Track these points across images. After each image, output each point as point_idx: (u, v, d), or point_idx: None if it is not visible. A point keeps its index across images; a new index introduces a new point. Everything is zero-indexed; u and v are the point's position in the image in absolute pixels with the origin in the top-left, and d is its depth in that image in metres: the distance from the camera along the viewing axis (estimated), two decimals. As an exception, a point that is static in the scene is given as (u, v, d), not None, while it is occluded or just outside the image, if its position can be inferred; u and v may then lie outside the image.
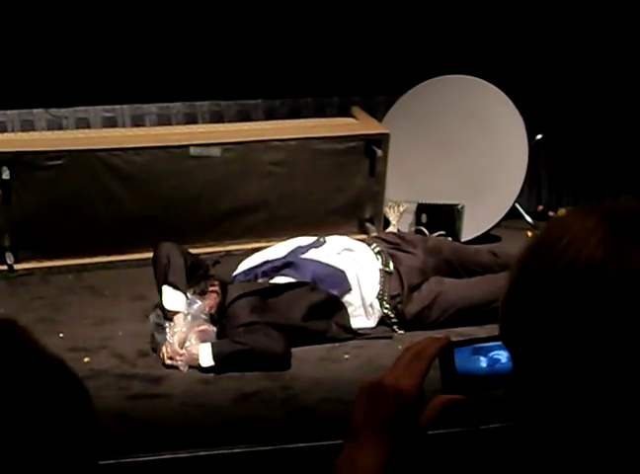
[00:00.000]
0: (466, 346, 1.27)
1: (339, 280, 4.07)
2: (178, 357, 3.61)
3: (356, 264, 4.19)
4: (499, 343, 1.18)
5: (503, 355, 1.23)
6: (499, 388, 1.22)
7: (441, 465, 2.43)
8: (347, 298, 4.03)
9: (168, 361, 3.64)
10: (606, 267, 1.01)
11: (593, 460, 1.03)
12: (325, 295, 4.00)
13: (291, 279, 4.08)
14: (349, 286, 4.07)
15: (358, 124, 6.09)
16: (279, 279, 4.11)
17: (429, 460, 1.29)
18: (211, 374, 3.51)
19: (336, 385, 3.33)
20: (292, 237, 4.65)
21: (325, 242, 4.35)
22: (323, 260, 4.21)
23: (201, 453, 2.78)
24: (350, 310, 4.04)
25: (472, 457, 2.58)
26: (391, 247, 4.39)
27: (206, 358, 3.58)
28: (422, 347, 1.30)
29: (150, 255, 5.57)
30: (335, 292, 4.02)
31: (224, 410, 3.14)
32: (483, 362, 1.25)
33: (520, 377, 1.10)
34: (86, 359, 3.78)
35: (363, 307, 4.04)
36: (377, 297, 4.09)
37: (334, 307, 3.99)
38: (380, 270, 4.18)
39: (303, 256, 4.25)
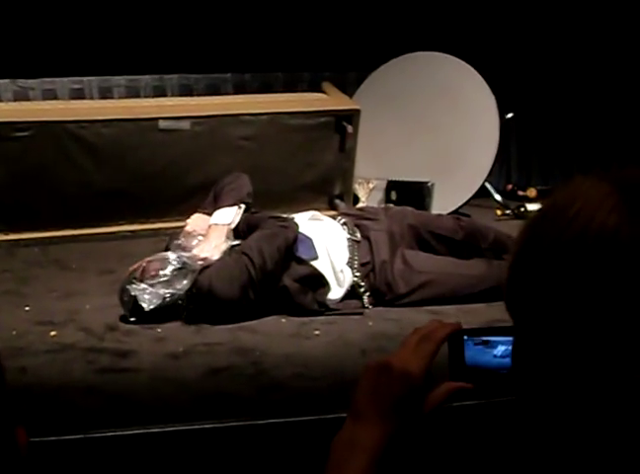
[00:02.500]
0: (477, 336, 1.24)
1: (307, 247, 4.04)
2: None
3: (323, 232, 4.17)
4: (510, 337, 1.16)
5: None
6: (507, 383, 1.20)
7: (443, 441, 2.41)
8: (316, 265, 4.00)
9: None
10: (620, 234, 0.98)
11: (596, 436, 1.00)
12: (313, 270, 3.98)
13: None
14: (316, 254, 4.04)
15: (328, 100, 6.06)
16: None
17: (430, 440, 1.27)
18: (180, 349, 3.47)
19: (306, 361, 3.31)
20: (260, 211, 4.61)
21: (292, 217, 4.33)
22: None
23: (171, 428, 2.75)
24: None
25: (474, 432, 2.57)
26: (355, 218, 4.38)
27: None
28: (431, 329, 1.28)
29: (118, 229, 5.56)
30: (303, 257, 3.99)
31: (194, 385, 3.10)
32: (493, 356, 1.22)
33: (524, 349, 1.07)
34: (53, 333, 3.72)
35: (334, 274, 4.02)
36: (347, 264, 4.07)
37: (318, 284, 3.96)
38: (348, 239, 4.17)
39: None
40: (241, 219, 4.24)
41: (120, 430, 2.76)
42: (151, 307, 3.84)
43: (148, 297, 3.86)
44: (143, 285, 3.90)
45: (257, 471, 2.74)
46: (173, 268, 3.95)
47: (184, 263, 3.98)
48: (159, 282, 3.91)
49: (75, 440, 2.72)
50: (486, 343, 1.23)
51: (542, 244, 1.05)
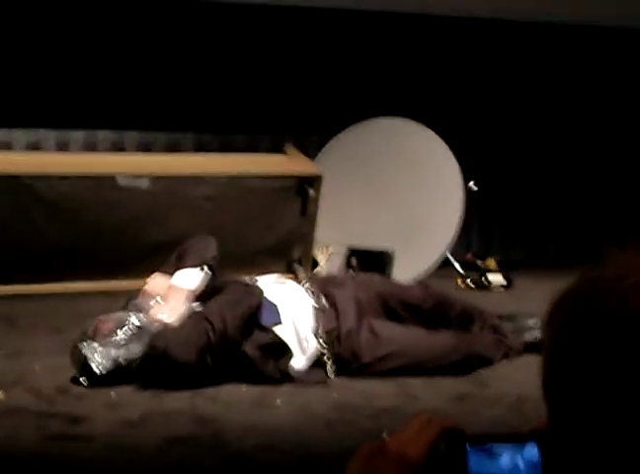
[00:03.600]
0: (479, 444, 1.13)
1: (271, 312, 3.91)
2: None
3: (288, 298, 4.03)
4: (516, 445, 1.09)
5: (521, 462, 1.10)
6: None
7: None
8: (279, 331, 3.86)
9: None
10: None
11: None
12: (275, 337, 3.84)
13: None
14: (279, 319, 3.90)
15: (291, 163, 5.97)
16: None
17: None
18: (136, 416, 3.31)
19: (270, 432, 3.16)
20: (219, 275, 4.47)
21: (257, 280, 4.19)
22: None
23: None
24: None
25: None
26: (321, 283, 4.26)
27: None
28: (434, 417, 1.16)
29: (70, 286, 5.38)
30: (266, 324, 3.85)
31: (151, 455, 2.93)
32: (500, 468, 1.11)
33: (561, 440, 0.96)
34: (0, 396, 3.54)
35: (298, 342, 3.87)
36: (312, 332, 3.94)
37: (281, 352, 3.82)
38: (313, 306, 4.03)
39: None
40: (209, 285, 4.09)
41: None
42: (102, 371, 3.67)
43: (99, 359, 3.70)
44: (95, 345, 3.73)
45: None
46: (127, 328, 3.80)
47: (139, 324, 3.82)
48: (112, 343, 3.75)
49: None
50: (490, 452, 1.12)
51: (590, 320, 0.94)
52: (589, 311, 0.95)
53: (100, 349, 3.71)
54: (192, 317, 3.82)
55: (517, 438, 1.10)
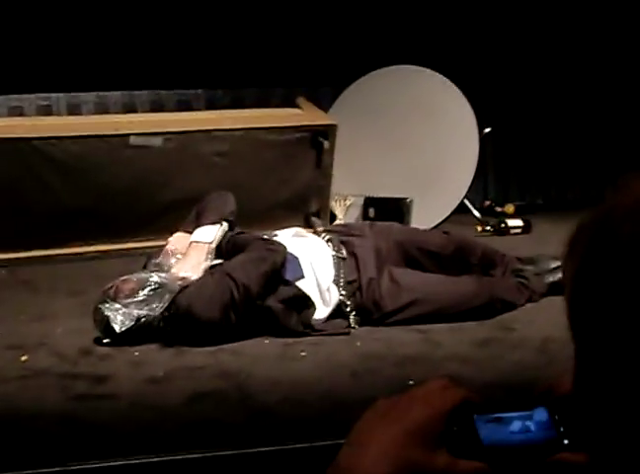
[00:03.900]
0: (487, 414, 1.11)
1: (293, 266, 3.87)
2: None
3: (309, 250, 4.00)
4: (525, 412, 1.08)
5: (532, 424, 1.09)
6: (532, 460, 1.08)
7: None
8: (301, 285, 3.82)
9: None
10: None
11: None
12: (298, 291, 3.81)
13: None
14: (302, 273, 3.87)
15: (304, 115, 5.91)
16: None
17: None
18: (160, 373, 3.29)
19: (294, 385, 3.14)
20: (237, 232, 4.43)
21: (276, 235, 4.16)
22: None
23: (155, 459, 2.57)
24: None
25: None
26: (340, 234, 4.22)
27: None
28: (451, 386, 1.12)
29: (88, 249, 5.37)
30: (288, 278, 3.83)
31: (177, 411, 2.92)
32: (512, 432, 1.09)
33: (590, 379, 0.92)
34: (23, 358, 3.53)
35: (320, 294, 3.84)
36: (333, 282, 3.90)
37: (304, 305, 3.79)
38: (333, 256, 4.00)
39: None
40: (225, 239, 4.06)
41: (100, 461, 2.57)
42: (123, 329, 3.66)
43: (121, 318, 3.68)
44: (117, 305, 3.72)
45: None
46: (149, 288, 3.77)
47: (161, 282, 3.80)
48: (133, 303, 3.73)
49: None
50: (499, 420, 1.09)
51: (614, 245, 0.90)
52: (607, 239, 0.91)
53: (122, 309, 3.70)
54: (214, 273, 3.78)
55: (525, 405, 1.09)
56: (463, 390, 1.13)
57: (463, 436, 1.09)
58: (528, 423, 1.09)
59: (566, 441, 1.07)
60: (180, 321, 3.66)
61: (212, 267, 3.89)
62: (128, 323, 3.67)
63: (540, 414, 1.09)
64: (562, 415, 1.08)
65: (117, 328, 3.65)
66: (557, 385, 1.11)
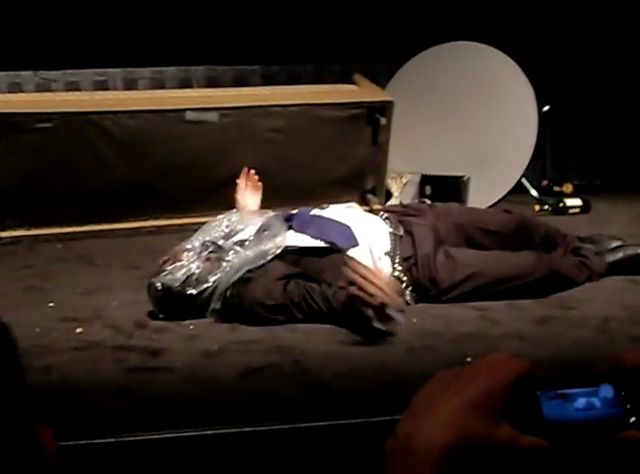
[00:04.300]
0: (551, 390, 1.06)
1: (344, 234, 3.83)
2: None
3: (362, 221, 3.95)
4: (590, 388, 1.05)
5: (597, 401, 1.05)
6: (596, 439, 1.04)
7: None
8: (354, 253, 3.77)
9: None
10: None
11: None
12: None
13: (302, 240, 3.84)
14: (355, 241, 3.82)
15: (360, 91, 5.86)
16: (291, 238, 3.86)
17: None
18: (215, 347, 3.27)
19: (349, 360, 3.10)
20: (292, 208, 4.39)
21: (328, 207, 4.13)
22: (327, 216, 3.99)
23: (209, 432, 2.55)
24: None
25: None
26: (398, 214, 4.17)
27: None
28: (513, 359, 1.08)
29: (143, 224, 5.37)
30: (343, 246, 3.77)
31: (231, 385, 2.89)
32: (576, 409, 1.04)
33: None
34: (78, 330, 3.53)
35: (373, 263, 3.79)
36: (388, 255, 3.85)
37: None
38: (390, 232, 3.95)
39: (306, 215, 4.03)
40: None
41: (153, 433, 2.56)
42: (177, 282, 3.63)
43: (172, 280, 3.66)
44: (166, 272, 3.70)
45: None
46: (193, 251, 3.76)
47: (213, 248, 3.78)
48: (183, 266, 3.71)
49: (105, 444, 2.52)
50: (563, 396, 1.05)
51: None
52: None
53: (169, 275, 3.67)
54: (291, 282, 3.68)
55: (589, 381, 1.05)
56: (527, 362, 1.09)
57: (526, 412, 1.05)
58: (594, 399, 1.05)
59: (632, 419, 1.02)
60: (238, 312, 3.62)
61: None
62: (180, 279, 3.65)
63: (606, 390, 1.05)
64: (629, 392, 1.04)
65: (175, 284, 3.63)
66: (624, 361, 1.07)
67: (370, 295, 3.22)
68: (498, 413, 1.04)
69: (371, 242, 3.85)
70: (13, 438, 0.94)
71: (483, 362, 1.08)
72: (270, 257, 3.76)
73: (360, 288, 3.24)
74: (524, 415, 1.05)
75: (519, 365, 1.07)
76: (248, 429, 2.58)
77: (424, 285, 3.81)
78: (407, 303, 3.75)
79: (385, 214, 4.12)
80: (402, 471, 1.02)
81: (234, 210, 4.13)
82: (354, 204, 4.25)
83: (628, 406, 1.03)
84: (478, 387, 1.05)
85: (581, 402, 1.05)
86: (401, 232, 3.97)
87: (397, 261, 3.85)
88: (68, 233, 5.23)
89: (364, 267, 3.32)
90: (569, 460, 1.04)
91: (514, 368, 1.06)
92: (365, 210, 4.38)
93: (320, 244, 3.82)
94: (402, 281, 3.81)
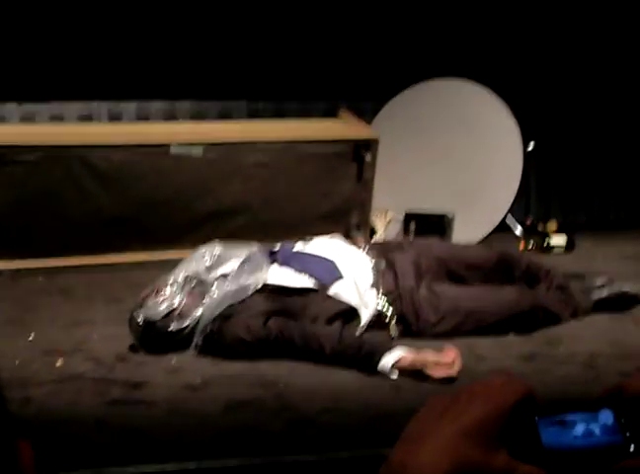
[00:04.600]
0: (549, 416, 1.03)
1: (328, 269, 3.81)
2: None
3: (346, 255, 3.94)
4: (589, 413, 0.99)
5: (596, 428, 1.00)
6: (595, 467, 0.99)
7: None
8: (339, 287, 3.75)
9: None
10: None
11: None
12: (343, 305, 3.73)
13: (285, 275, 3.81)
14: (339, 274, 3.80)
15: (346, 128, 5.85)
16: (274, 274, 3.83)
17: None
18: (198, 380, 3.23)
19: (334, 394, 3.06)
20: (275, 242, 4.36)
21: (312, 239, 4.11)
22: (310, 251, 3.97)
23: (192, 466, 2.50)
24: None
25: None
26: (380, 249, 4.15)
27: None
28: (515, 380, 1.05)
29: (125, 258, 5.32)
30: (326, 282, 3.75)
31: (214, 419, 2.85)
32: (574, 436, 1.01)
33: None
34: (59, 363, 3.49)
35: (359, 296, 3.77)
36: (372, 286, 3.83)
37: (348, 318, 3.72)
38: (372, 268, 3.93)
39: (290, 249, 4.02)
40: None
41: (136, 466, 2.51)
42: (158, 320, 3.60)
43: (152, 313, 3.63)
44: (148, 305, 3.67)
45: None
46: (176, 283, 3.73)
47: (196, 282, 3.75)
48: (164, 299, 3.68)
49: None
50: (562, 423, 1.01)
51: None
52: None
53: (151, 310, 3.65)
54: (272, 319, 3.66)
55: (589, 406, 1.00)
56: (525, 386, 1.06)
57: (524, 439, 1.02)
58: (593, 426, 1.01)
59: (632, 448, 0.99)
60: (219, 347, 3.59)
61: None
62: (161, 311, 3.62)
63: (606, 416, 1.02)
64: (629, 419, 1.01)
65: (157, 318, 3.60)
66: (625, 387, 1.04)
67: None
68: (495, 440, 1.01)
69: (356, 275, 3.83)
70: None
71: (480, 387, 1.05)
72: (250, 292, 3.73)
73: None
74: (522, 442, 1.02)
75: (516, 390, 1.04)
76: (232, 463, 2.54)
77: (407, 319, 3.79)
78: (392, 337, 3.73)
79: (367, 248, 4.10)
80: None
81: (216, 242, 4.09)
82: (337, 235, 4.24)
83: (628, 434, 1.00)
84: (474, 414, 1.01)
85: (580, 428, 1.02)
86: (383, 266, 3.95)
87: (381, 294, 3.83)
88: (50, 266, 5.17)
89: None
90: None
91: (511, 393, 1.03)
92: (349, 244, 4.36)
93: (302, 281, 3.80)
94: (386, 316, 3.78)
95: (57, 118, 6.00)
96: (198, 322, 3.64)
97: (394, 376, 3.23)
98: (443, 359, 3.25)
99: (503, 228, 6.08)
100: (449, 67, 6.17)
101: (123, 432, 2.75)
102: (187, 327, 3.62)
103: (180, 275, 3.80)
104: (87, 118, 6.08)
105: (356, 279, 3.81)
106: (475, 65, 6.24)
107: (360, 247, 4.20)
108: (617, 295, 4.10)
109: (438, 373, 3.20)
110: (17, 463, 0.96)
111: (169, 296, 3.67)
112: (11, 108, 5.95)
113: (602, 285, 4.16)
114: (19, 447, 0.97)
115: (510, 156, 5.92)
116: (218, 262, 3.86)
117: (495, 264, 4.11)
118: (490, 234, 5.86)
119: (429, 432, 1.00)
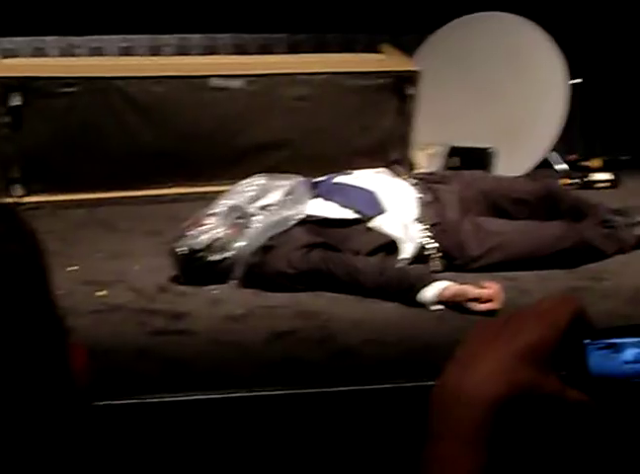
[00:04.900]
0: (600, 339, 1.00)
1: (371, 201, 3.77)
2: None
3: (389, 187, 3.90)
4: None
5: None
6: None
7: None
8: (383, 220, 3.72)
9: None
10: None
11: None
12: (385, 238, 3.70)
13: (327, 207, 3.79)
14: (380, 208, 3.77)
15: (388, 61, 5.78)
16: (316, 206, 3.81)
17: None
18: (239, 311, 3.23)
19: (376, 326, 3.05)
20: (316, 176, 4.33)
21: (353, 172, 4.08)
22: (351, 183, 3.94)
23: (233, 395, 2.50)
24: None
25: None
26: (425, 181, 4.11)
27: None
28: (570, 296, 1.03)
29: (166, 191, 5.32)
30: (369, 213, 3.72)
31: (256, 349, 2.85)
32: (623, 362, 0.98)
33: None
34: (101, 293, 3.49)
35: (403, 228, 3.73)
36: (416, 221, 3.79)
37: (390, 251, 3.69)
38: (417, 198, 3.89)
39: (332, 181, 3.99)
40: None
41: (177, 395, 2.51)
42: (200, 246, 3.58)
43: (195, 243, 3.62)
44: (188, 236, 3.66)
45: (327, 441, 2.49)
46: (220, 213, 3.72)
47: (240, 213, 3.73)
48: (206, 230, 3.67)
49: (128, 405, 2.48)
50: (612, 346, 0.98)
51: None
52: None
53: (192, 240, 3.64)
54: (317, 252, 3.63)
55: None
56: (576, 302, 1.04)
57: (571, 364, 0.99)
58: None
59: None
60: (262, 281, 3.58)
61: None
62: (203, 241, 3.61)
63: None
64: None
65: (198, 248, 3.58)
66: None
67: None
68: (547, 363, 0.99)
69: (400, 208, 3.79)
70: (37, 353, 0.91)
71: (531, 310, 1.04)
72: (291, 223, 3.71)
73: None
74: (569, 367, 0.99)
75: (567, 309, 1.02)
76: (273, 393, 2.54)
77: (451, 253, 3.75)
78: (434, 271, 3.70)
79: (414, 180, 4.06)
80: (452, 421, 0.98)
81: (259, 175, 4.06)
82: (383, 170, 4.20)
83: None
84: (528, 336, 1.00)
85: (630, 353, 0.99)
86: (429, 198, 3.91)
87: (426, 226, 3.79)
88: (91, 199, 5.18)
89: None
90: (612, 418, 0.99)
91: (563, 313, 1.01)
92: (394, 177, 4.32)
93: (344, 213, 3.78)
94: (428, 249, 3.75)
95: (97, 52, 5.97)
96: (239, 253, 3.63)
97: (436, 308, 3.21)
98: (486, 293, 3.22)
99: (546, 164, 6.01)
100: (494, 0, 6.05)
101: (166, 361, 2.76)
102: (228, 258, 3.61)
103: (222, 206, 3.79)
104: (127, 51, 6.05)
105: (399, 212, 3.78)
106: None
107: (405, 179, 4.17)
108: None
109: (480, 306, 3.18)
110: (67, 368, 0.95)
111: (211, 227, 3.66)
112: (51, 41, 5.93)
113: (646, 221, 4.10)
114: (72, 353, 0.97)
115: (554, 92, 5.83)
116: (262, 193, 3.84)
117: (541, 198, 4.05)
118: (533, 170, 5.79)
119: (482, 354, 1.00)
